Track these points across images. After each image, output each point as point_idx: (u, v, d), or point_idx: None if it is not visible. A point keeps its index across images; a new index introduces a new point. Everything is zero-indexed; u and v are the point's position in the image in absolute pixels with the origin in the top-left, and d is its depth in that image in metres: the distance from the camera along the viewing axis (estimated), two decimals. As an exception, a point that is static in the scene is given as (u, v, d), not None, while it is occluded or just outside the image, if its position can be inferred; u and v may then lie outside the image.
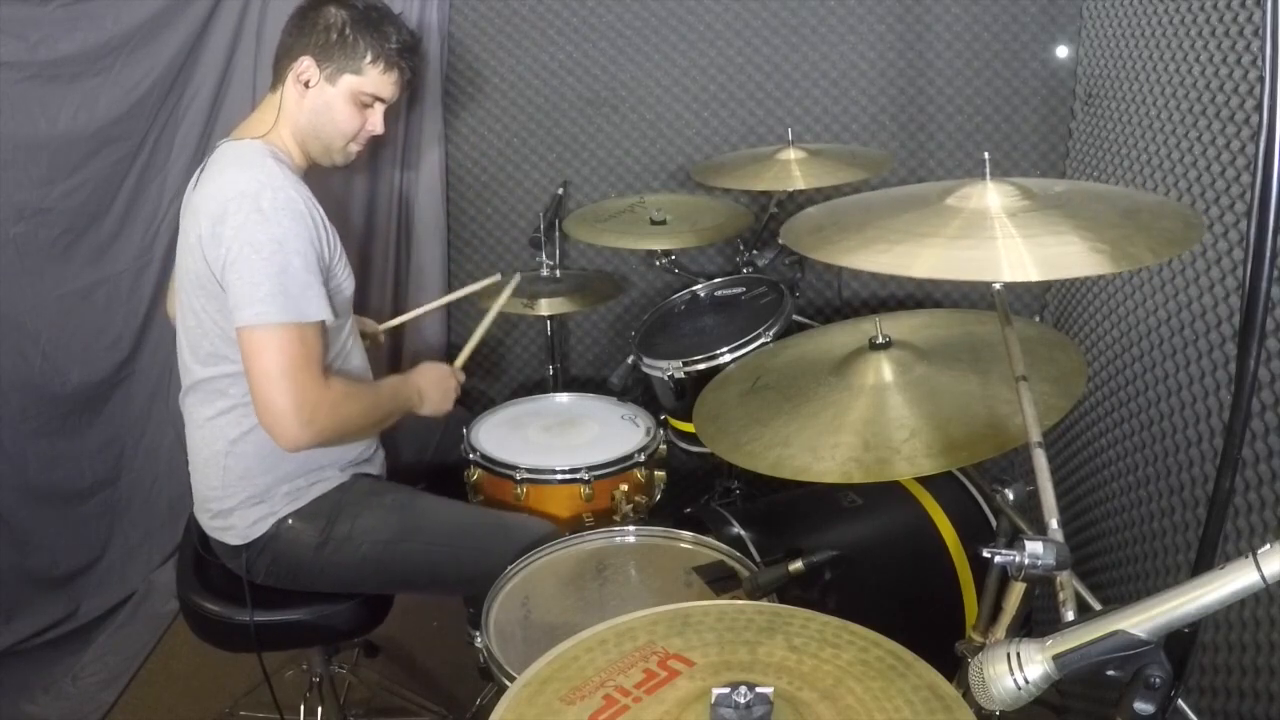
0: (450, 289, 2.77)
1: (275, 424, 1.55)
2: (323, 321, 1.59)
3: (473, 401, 2.86)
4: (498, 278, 2.27)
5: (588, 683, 0.91)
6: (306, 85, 1.70)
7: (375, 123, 1.78)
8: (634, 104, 2.59)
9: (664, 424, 2.07)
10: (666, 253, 2.35)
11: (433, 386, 1.88)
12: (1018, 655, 0.80)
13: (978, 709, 0.84)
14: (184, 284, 1.66)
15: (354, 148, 1.80)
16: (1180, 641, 1.12)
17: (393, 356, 2.70)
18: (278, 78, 1.72)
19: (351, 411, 1.65)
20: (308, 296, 1.56)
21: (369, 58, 1.70)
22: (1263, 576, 0.73)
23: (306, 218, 1.58)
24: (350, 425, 1.67)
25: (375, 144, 2.52)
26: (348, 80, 1.71)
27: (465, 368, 2.01)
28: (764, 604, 1.13)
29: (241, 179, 1.57)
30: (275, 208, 1.54)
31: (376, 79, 1.73)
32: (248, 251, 1.52)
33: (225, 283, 1.55)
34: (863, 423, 1.33)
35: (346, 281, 1.71)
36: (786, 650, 0.95)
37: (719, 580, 1.48)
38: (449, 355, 2.82)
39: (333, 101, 1.71)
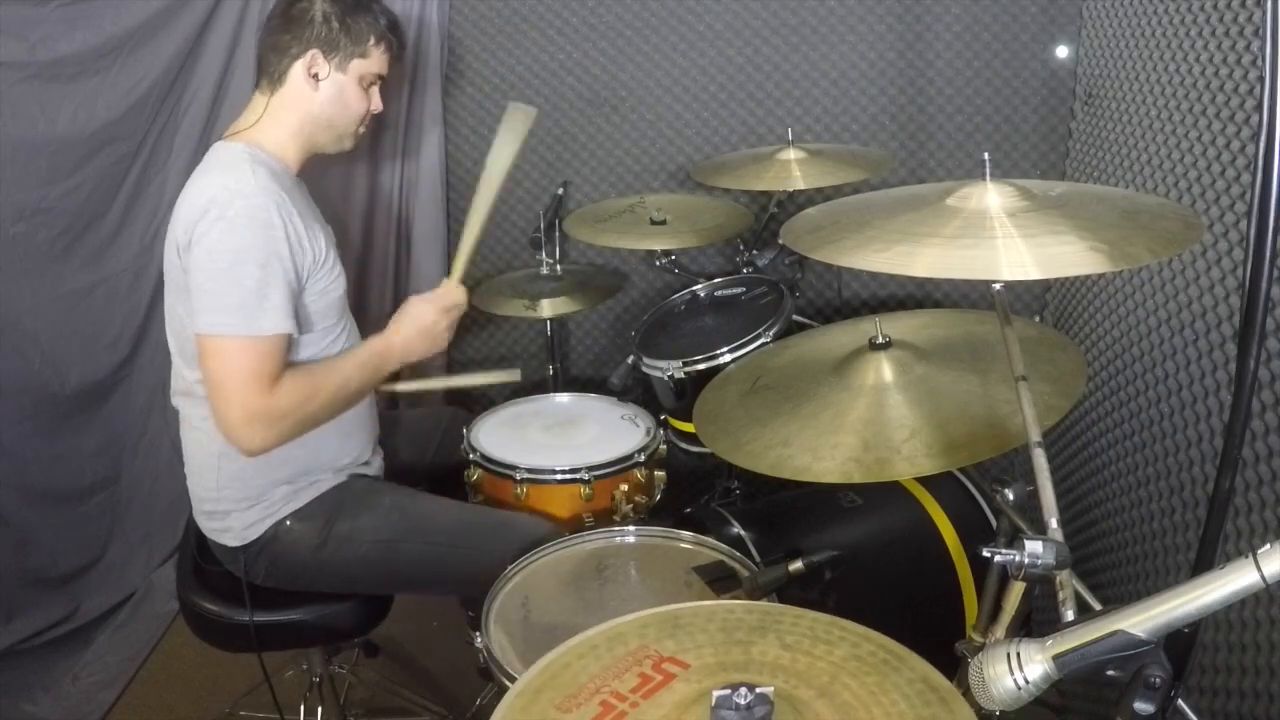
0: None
1: (228, 433, 1.57)
2: (283, 335, 1.57)
3: (473, 402, 2.86)
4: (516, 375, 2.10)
5: (582, 689, 0.90)
6: (316, 78, 1.71)
7: (377, 102, 1.82)
8: (634, 104, 2.59)
9: (664, 424, 2.07)
10: (666, 253, 2.35)
11: (414, 331, 1.80)
12: (1018, 655, 0.80)
13: (978, 709, 0.84)
14: (169, 286, 1.67)
15: (361, 130, 1.83)
16: (1180, 641, 1.12)
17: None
18: (273, 78, 1.72)
19: (312, 409, 1.63)
20: (264, 309, 1.54)
21: (372, 39, 1.74)
22: (1263, 576, 0.73)
23: (272, 226, 1.56)
24: (311, 420, 1.64)
25: (375, 144, 2.53)
26: (356, 65, 1.74)
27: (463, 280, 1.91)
28: (753, 603, 1.13)
29: (215, 185, 1.58)
30: (238, 215, 1.54)
31: (379, 58, 1.77)
32: (206, 260, 1.53)
33: (190, 285, 1.55)
34: (863, 423, 1.33)
35: (335, 284, 1.70)
36: (780, 649, 0.95)
37: (719, 580, 1.48)
38: (448, 354, 2.82)
39: (345, 88, 1.74)
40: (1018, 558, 0.89)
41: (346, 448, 1.77)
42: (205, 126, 2.43)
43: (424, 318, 1.81)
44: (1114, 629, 0.78)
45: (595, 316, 2.79)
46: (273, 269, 1.55)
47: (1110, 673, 0.79)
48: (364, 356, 1.75)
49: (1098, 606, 0.93)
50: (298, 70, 1.70)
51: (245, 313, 1.53)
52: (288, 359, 1.61)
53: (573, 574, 1.56)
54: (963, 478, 1.84)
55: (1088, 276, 2.13)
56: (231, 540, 1.71)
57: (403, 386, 2.04)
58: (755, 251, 2.27)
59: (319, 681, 1.95)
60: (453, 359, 2.85)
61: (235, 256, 1.53)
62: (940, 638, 1.11)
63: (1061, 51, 2.34)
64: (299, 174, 1.77)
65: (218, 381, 1.55)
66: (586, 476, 1.85)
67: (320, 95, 1.72)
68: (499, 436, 2.02)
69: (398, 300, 2.68)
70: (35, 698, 2.25)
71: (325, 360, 1.69)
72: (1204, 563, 1.18)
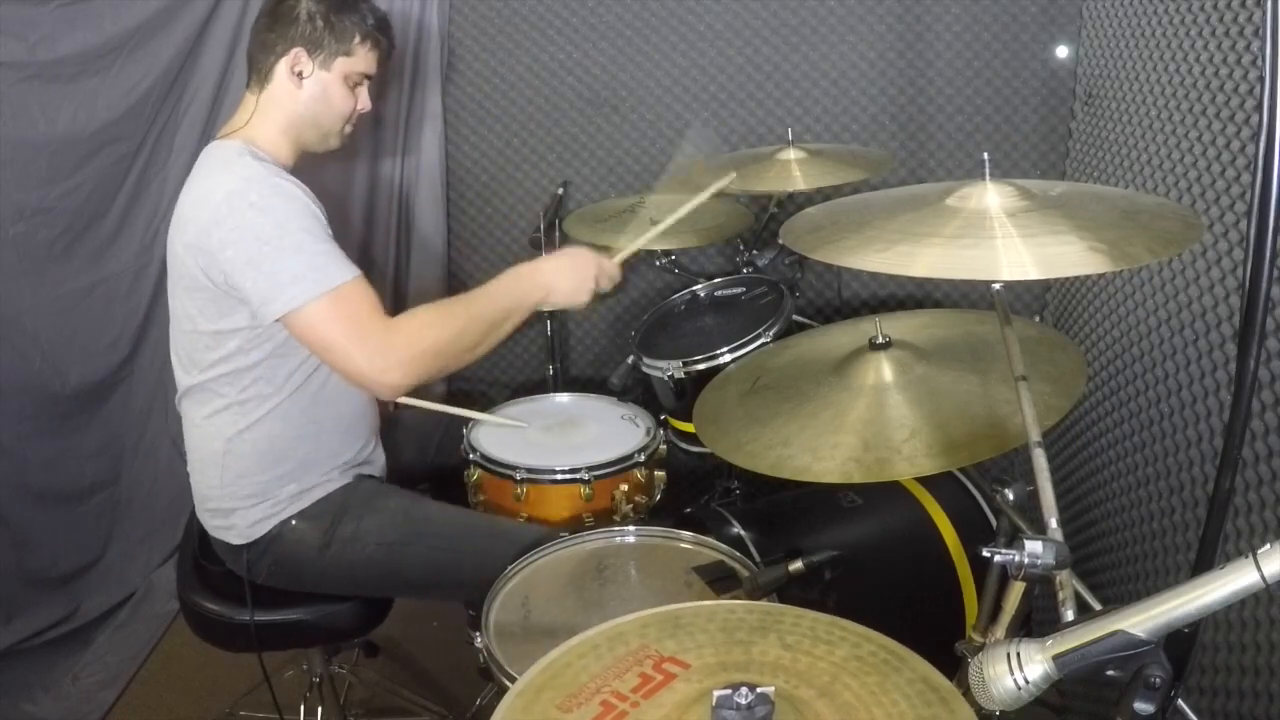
0: (450, 289, 2.77)
1: (363, 385, 1.61)
2: (358, 275, 1.58)
3: (472, 402, 2.86)
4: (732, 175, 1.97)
5: (583, 689, 0.90)
6: (300, 76, 1.72)
7: (365, 100, 1.82)
8: (634, 104, 2.59)
9: (664, 424, 2.07)
10: (666, 253, 2.35)
11: (568, 273, 1.74)
12: (1018, 655, 0.80)
13: (978, 709, 0.84)
14: (176, 289, 1.66)
15: (348, 129, 1.83)
16: (1180, 641, 1.12)
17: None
18: (260, 76, 1.73)
19: (439, 337, 1.60)
20: (331, 263, 1.56)
21: (357, 38, 1.75)
22: (1263, 576, 0.73)
23: (298, 195, 1.60)
24: (448, 349, 1.62)
25: (375, 144, 2.53)
26: (341, 63, 1.74)
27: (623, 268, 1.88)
28: (754, 603, 1.13)
29: (225, 181, 1.59)
30: (264, 195, 1.56)
31: (365, 57, 1.77)
32: (256, 246, 1.53)
33: (239, 284, 1.55)
34: (863, 423, 1.33)
35: None
36: (780, 649, 0.95)
37: (719, 580, 1.47)
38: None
39: (329, 86, 1.74)
40: (1018, 558, 0.89)
41: (348, 441, 1.78)
42: (205, 126, 2.43)
43: (582, 259, 1.78)
44: (1114, 629, 0.78)
45: (595, 316, 2.79)
46: (316, 229, 1.58)
47: (1110, 673, 0.79)
48: (504, 282, 1.70)
49: (1098, 606, 0.93)
50: (282, 68, 1.71)
51: (317, 272, 1.54)
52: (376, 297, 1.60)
53: (573, 574, 1.56)
54: (963, 478, 1.84)
55: (1088, 276, 2.13)
56: (235, 538, 1.71)
57: (404, 400, 2.02)
58: (755, 251, 2.27)
59: (319, 681, 1.95)
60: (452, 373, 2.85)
61: (280, 229, 1.54)
62: (940, 638, 1.11)
63: (1061, 51, 2.34)
64: (291, 173, 1.78)
65: (327, 345, 1.56)
66: (586, 476, 1.85)
67: (304, 93, 1.73)
68: (499, 436, 2.02)
69: (398, 300, 2.69)
70: (35, 698, 2.25)
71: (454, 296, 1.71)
72: (1204, 563, 1.18)
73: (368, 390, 1.63)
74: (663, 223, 1.93)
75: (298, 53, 1.70)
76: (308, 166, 1.82)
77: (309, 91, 1.73)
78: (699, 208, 1.96)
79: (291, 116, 1.73)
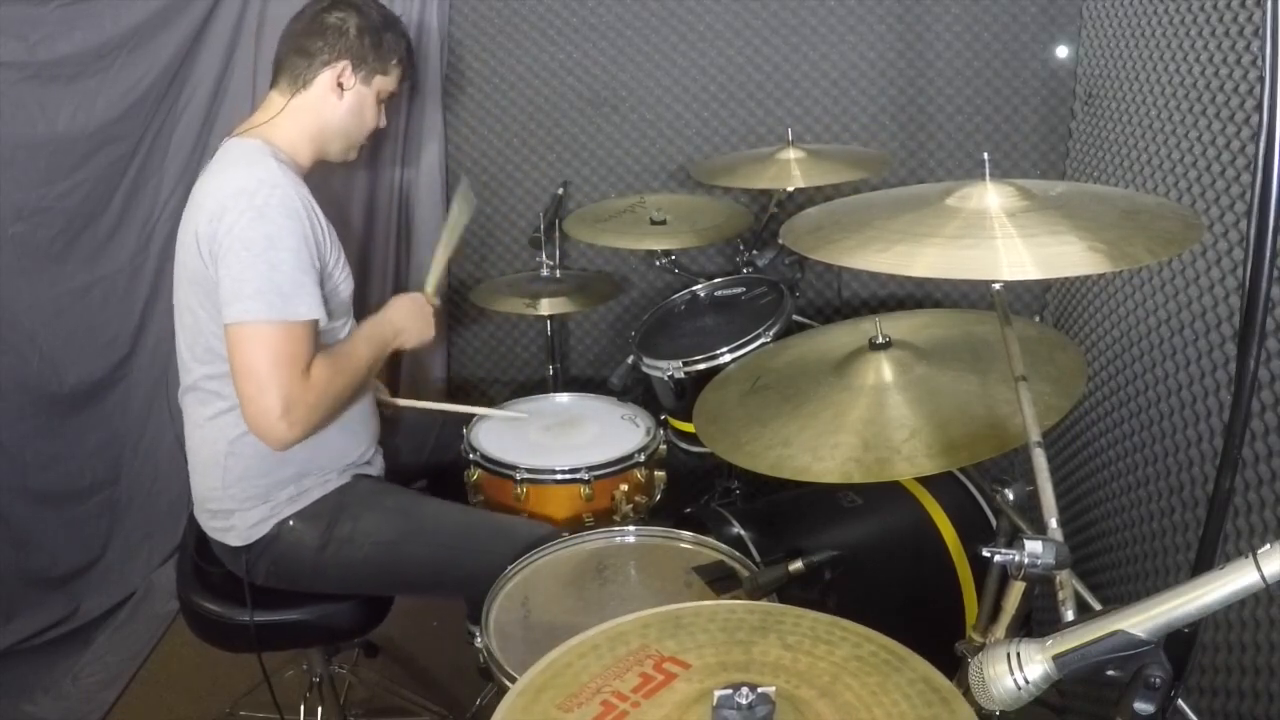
0: (450, 289, 2.77)
1: (259, 422, 1.56)
2: (314, 321, 1.59)
3: (473, 401, 2.86)
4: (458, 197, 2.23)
5: (584, 689, 0.90)
6: (342, 88, 1.75)
7: (383, 118, 1.88)
8: (634, 104, 2.59)
9: (664, 424, 2.07)
10: (666, 253, 2.35)
11: (408, 317, 1.88)
12: (1018, 655, 0.80)
13: (978, 709, 0.84)
14: (181, 280, 1.67)
15: (365, 142, 1.88)
16: (1180, 641, 1.12)
17: (390, 364, 2.69)
18: (296, 80, 1.74)
19: (336, 391, 1.64)
20: (299, 295, 1.56)
21: (395, 59, 1.81)
22: (1263, 576, 0.73)
23: (302, 216, 1.59)
24: (338, 403, 1.67)
25: (375, 144, 2.53)
26: (378, 81, 1.80)
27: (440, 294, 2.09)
28: (755, 603, 1.13)
29: (241, 177, 1.59)
30: (270, 205, 1.55)
31: (397, 79, 1.84)
32: (238, 248, 1.53)
33: (219, 278, 1.56)
34: (863, 423, 1.33)
35: (344, 283, 1.72)
36: (781, 649, 0.95)
37: (719, 580, 1.48)
38: (448, 348, 2.83)
39: (366, 101, 1.80)
40: (1018, 558, 0.89)
41: (351, 445, 1.77)
42: (203, 127, 2.44)
43: (414, 300, 1.93)
44: (1114, 629, 0.78)
45: (595, 316, 2.79)
46: (303, 256, 1.57)
47: (1110, 673, 0.79)
48: (366, 330, 1.79)
49: (1098, 606, 0.93)
50: (326, 77, 1.74)
51: (280, 298, 1.53)
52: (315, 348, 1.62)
53: (573, 574, 1.56)
54: (963, 478, 1.84)
55: (1088, 276, 2.13)
56: (235, 540, 1.70)
57: (404, 402, 2.08)
58: (755, 251, 2.27)
59: (319, 681, 1.95)
60: (452, 374, 2.86)
61: (269, 243, 1.54)
62: (940, 638, 1.11)
63: (1061, 51, 2.35)
64: (306, 177, 1.78)
65: (251, 369, 1.53)
66: (586, 476, 1.85)
67: (343, 105, 1.77)
68: (499, 436, 2.02)
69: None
70: (35, 698, 2.25)
71: (335, 343, 1.71)
72: (1204, 563, 1.18)
73: (257, 433, 1.56)
74: (441, 244, 2.16)
75: (345, 66, 1.74)
76: (313, 172, 1.82)
77: (347, 104, 1.77)
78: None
79: (324, 125, 1.76)
